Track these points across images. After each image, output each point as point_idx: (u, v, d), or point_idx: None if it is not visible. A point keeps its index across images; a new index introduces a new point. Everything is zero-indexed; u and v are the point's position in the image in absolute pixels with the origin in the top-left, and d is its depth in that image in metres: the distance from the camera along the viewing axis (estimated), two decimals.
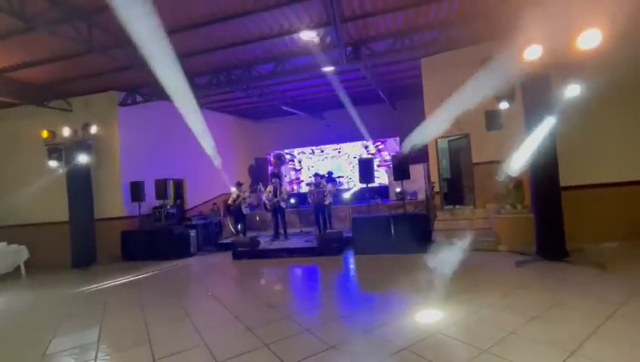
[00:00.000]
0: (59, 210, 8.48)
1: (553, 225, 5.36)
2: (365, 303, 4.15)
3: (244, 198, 8.75)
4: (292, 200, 10.38)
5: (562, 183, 5.62)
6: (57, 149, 8.15)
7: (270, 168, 13.01)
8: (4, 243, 7.62)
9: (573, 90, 5.11)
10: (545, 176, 5.41)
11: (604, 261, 4.98)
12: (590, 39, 4.55)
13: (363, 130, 11.77)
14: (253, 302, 4.47)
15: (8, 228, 8.73)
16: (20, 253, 7.67)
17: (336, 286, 5.10)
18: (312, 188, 8.48)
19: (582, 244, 5.85)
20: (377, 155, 12.10)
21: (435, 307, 3.82)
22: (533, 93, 5.48)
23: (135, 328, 3.88)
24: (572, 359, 2.63)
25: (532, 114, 5.53)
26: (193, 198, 10.66)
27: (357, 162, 7.99)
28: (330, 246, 7.09)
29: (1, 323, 4.58)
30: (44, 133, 8.19)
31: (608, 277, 4.44)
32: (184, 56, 7.25)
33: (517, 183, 6.70)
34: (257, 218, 10.37)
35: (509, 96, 5.40)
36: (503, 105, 5.42)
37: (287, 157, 13.03)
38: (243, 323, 3.79)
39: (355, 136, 12.22)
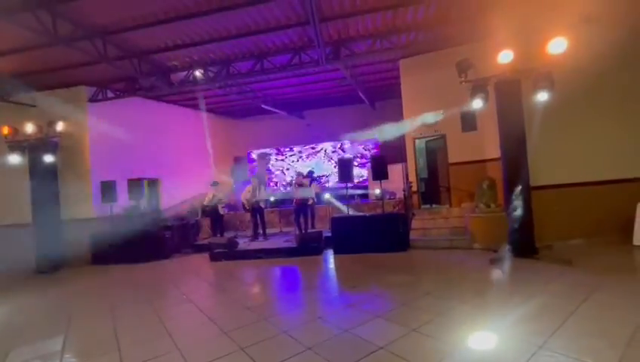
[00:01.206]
0: (22, 212, 8.01)
1: (523, 224, 5.56)
2: (343, 303, 4.15)
3: (219, 199, 8.59)
4: (272, 199, 10.25)
5: (532, 183, 5.84)
6: (19, 147, 7.69)
7: (250, 166, 12.87)
8: None
9: (541, 95, 5.32)
10: (516, 176, 5.60)
11: (571, 257, 5.21)
12: (558, 45, 4.76)
13: (343, 129, 11.88)
14: (229, 305, 4.39)
15: None
16: None
17: (315, 286, 5.09)
18: (295, 188, 8.39)
19: (550, 242, 6.10)
20: (357, 155, 12.19)
21: (410, 305, 3.87)
22: (505, 95, 5.67)
23: (103, 335, 3.71)
24: (539, 353, 2.73)
25: (504, 116, 5.71)
26: (169, 198, 10.36)
27: (336, 162, 7.95)
28: (310, 246, 7.08)
29: None
30: (5, 129, 7.71)
31: (574, 272, 4.64)
32: (158, 51, 7.05)
33: (491, 183, 6.90)
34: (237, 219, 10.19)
35: (483, 98, 5.55)
36: (477, 105, 5.55)
37: (272, 157, 12.92)
38: (218, 326, 3.70)
39: (335, 136, 12.26)
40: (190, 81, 7.96)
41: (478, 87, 5.54)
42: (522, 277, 4.64)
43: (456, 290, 4.27)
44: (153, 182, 10.17)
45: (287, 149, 12.96)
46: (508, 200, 5.71)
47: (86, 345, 3.53)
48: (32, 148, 7.74)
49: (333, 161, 12.14)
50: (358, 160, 11.94)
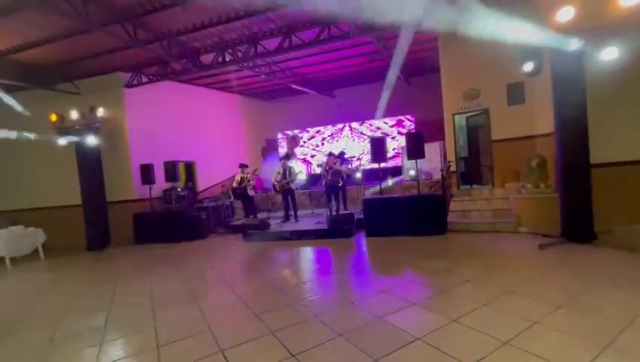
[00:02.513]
0: (72, 194, 8.57)
1: (581, 205, 4.98)
2: (376, 288, 3.97)
3: (248, 181, 8.64)
4: (303, 178, 10.16)
5: (592, 160, 5.19)
6: (67, 133, 8.12)
7: (280, 149, 12.91)
8: (22, 227, 7.76)
9: (609, 55, 4.58)
10: (574, 153, 4.98)
11: (636, 243, 4.60)
12: None
13: (375, 107, 11.44)
14: (261, 286, 4.37)
15: (25, 212, 8.93)
16: (37, 236, 7.81)
17: (346, 269, 4.96)
18: (326, 168, 8.25)
19: (611, 226, 5.45)
20: (391, 134, 11.81)
21: (449, 293, 3.59)
22: (564, 60, 4.97)
23: (141, 314, 3.82)
24: (606, 353, 2.37)
25: (561, 83, 5.04)
26: (204, 181, 10.67)
27: (369, 141, 7.65)
28: (342, 228, 6.98)
29: (22, 302, 4.64)
30: (53, 117, 8.16)
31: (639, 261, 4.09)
32: (186, 32, 6.98)
33: (540, 161, 6.28)
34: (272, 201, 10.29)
35: (536, 64, 4.92)
36: (528, 69, 4.94)
37: (304, 135, 12.85)
38: (250, 308, 3.67)
39: (368, 115, 11.88)
40: (219, 62, 7.87)
41: (530, 51, 4.90)
42: (578, 265, 4.16)
43: (500, 278, 3.91)
44: (189, 165, 10.48)
45: (317, 131, 12.82)
46: (562, 180, 5.12)
47: (125, 322, 3.66)
48: (78, 134, 8.15)
49: (365, 141, 11.86)
50: (393, 139, 11.56)
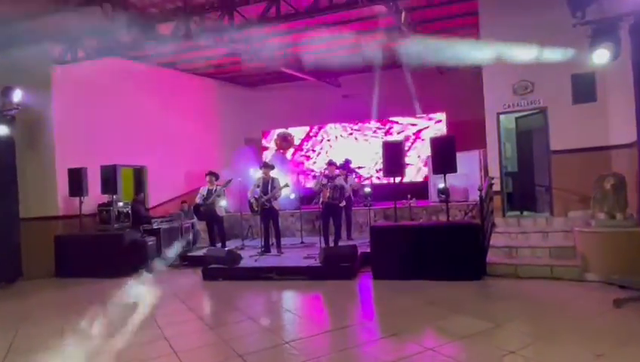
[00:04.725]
0: None
1: None
2: (382, 359, 3.78)
3: (218, 195, 8.54)
4: (291, 196, 10.11)
5: None
6: None
7: (265, 152, 12.98)
8: None
9: None
10: None
11: None
12: None
13: (394, 101, 11.38)
14: (220, 351, 4.20)
15: None
16: None
17: (343, 326, 4.82)
18: (324, 182, 8.21)
19: None
20: (413, 137, 11.89)
21: None
22: None
23: None
24: None
25: None
26: (158, 193, 10.64)
27: (381, 147, 7.61)
28: (341, 265, 6.89)
29: None
30: None
31: None
32: None
33: (617, 182, 6.16)
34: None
35: (611, 49, 4.82)
36: (600, 59, 4.84)
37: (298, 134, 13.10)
38: None
39: (382, 111, 11.81)
40: (183, 34, 7.78)
41: (602, 32, 4.86)
42: None
43: (558, 350, 3.69)
44: (138, 172, 10.46)
45: (315, 129, 12.81)
46: None
47: None
48: None
49: (377, 146, 11.82)
50: (414, 143, 11.71)
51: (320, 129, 13.00)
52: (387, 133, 12.27)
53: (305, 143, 13.10)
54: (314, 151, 13.05)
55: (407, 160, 8.84)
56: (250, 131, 13.36)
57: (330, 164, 8.73)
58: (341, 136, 12.82)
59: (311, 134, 13.12)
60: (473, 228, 6.56)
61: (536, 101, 7.57)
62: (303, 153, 13.08)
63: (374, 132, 12.42)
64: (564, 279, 6.01)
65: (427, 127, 11.76)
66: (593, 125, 7.11)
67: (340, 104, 12.76)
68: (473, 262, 6.30)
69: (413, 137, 11.89)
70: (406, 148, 8.78)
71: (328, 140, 12.93)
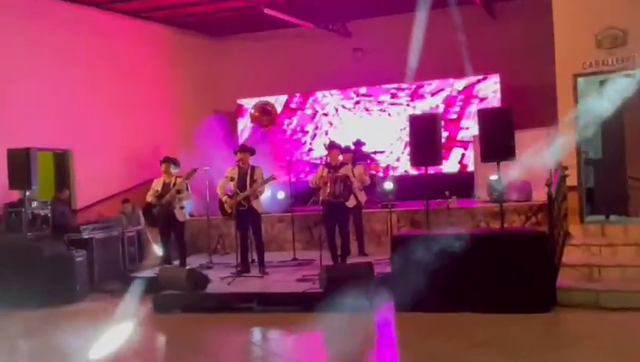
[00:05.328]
0: None
1: None
2: None
3: (178, 191, 8.49)
4: (280, 195, 10.02)
5: None
6: None
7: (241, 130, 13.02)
8: None
9: None
10: None
11: None
12: None
13: (427, 58, 11.27)
14: None
15: None
16: None
17: None
18: (324, 173, 8.28)
19: None
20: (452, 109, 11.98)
21: None
22: None
23: None
24: None
25: None
26: (89, 189, 10.64)
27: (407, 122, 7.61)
28: (350, 291, 6.65)
29: None
30: None
31: None
32: None
33: None
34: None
35: None
36: None
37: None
38: None
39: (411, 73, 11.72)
40: None
41: None
42: None
43: None
44: (60, 158, 10.38)
45: (297, 99, 12.98)
46: None
47: None
48: None
49: (402, 120, 12.04)
50: (456, 119, 11.98)
51: (306, 98, 12.94)
52: (413, 99, 12.17)
53: (285, 120, 13.24)
54: (304, 131, 12.93)
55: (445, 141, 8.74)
56: (220, 100, 13.42)
57: (332, 147, 8.74)
58: (343, 107, 12.70)
59: (292, 106, 13.00)
60: (538, 238, 6.52)
61: (630, 58, 7.51)
62: (287, 134, 13.20)
63: (393, 96, 12.41)
64: None
65: (473, 94, 11.84)
66: None
67: (348, 63, 12.73)
68: (538, 287, 6.24)
69: (458, 106, 11.87)
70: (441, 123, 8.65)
71: (325, 114, 12.83)
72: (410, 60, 11.33)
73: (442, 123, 8.28)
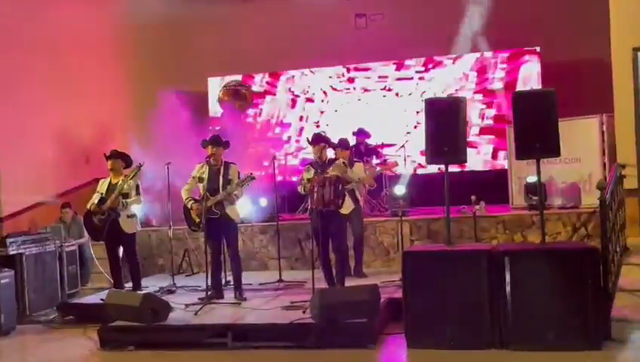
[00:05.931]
0: None
1: None
2: None
3: (125, 195, 8.58)
4: (262, 203, 10.20)
5: None
6: None
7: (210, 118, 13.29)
8: None
9: None
10: None
11: None
12: None
13: (446, 27, 11.41)
14: None
15: None
16: None
17: None
18: (310, 174, 8.38)
19: None
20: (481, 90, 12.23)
21: None
22: None
23: None
24: None
25: None
26: (15, 193, 10.62)
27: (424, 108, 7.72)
28: (348, 322, 6.90)
29: None
30: None
31: None
32: None
33: None
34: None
35: None
36: None
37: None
38: None
39: (426, 45, 11.87)
40: None
41: None
42: None
43: None
44: None
45: (266, 78, 13.33)
46: None
47: None
48: None
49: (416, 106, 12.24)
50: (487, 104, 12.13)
51: (277, 77, 13.19)
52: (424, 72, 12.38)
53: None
54: (282, 124, 13.09)
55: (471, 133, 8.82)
56: (182, 78, 13.41)
57: (317, 140, 8.73)
58: (332, 87, 12.80)
59: (261, 88, 13.17)
60: (588, 255, 6.37)
61: None
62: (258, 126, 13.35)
63: (398, 68, 12.57)
64: None
65: (505, 71, 11.88)
66: None
67: (351, 32, 12.86)
68: (587, 318, 6.19)
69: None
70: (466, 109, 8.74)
71: (310, 98, 12.95)
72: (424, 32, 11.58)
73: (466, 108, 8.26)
